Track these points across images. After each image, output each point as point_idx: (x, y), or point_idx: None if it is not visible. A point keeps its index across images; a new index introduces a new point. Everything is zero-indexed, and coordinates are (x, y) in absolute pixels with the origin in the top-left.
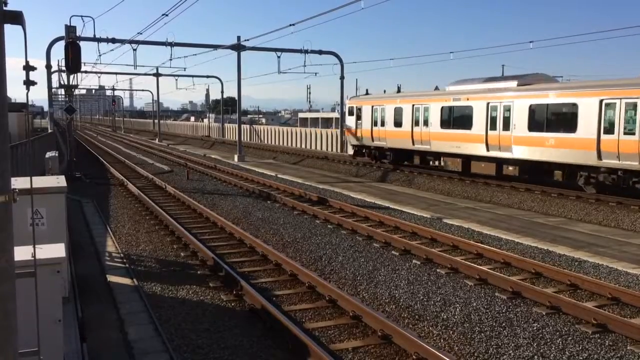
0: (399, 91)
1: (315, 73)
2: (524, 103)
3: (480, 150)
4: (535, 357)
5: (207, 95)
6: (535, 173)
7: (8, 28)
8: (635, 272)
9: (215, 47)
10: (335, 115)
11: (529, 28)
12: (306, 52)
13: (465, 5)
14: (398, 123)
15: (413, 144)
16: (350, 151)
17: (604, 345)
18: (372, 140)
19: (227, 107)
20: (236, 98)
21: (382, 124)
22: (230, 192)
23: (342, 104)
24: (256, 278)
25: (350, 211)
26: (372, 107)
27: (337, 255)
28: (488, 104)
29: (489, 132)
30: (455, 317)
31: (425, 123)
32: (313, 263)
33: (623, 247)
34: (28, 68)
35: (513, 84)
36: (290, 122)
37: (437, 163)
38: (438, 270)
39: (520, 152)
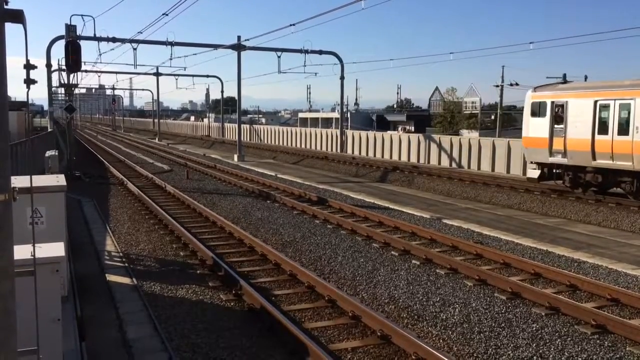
0: None
1: (315, 73)
2: None
3: None
4: (534, 357)
5: (207, 95)
6: None
7: (9, 27)
8: (635, 273)
9: (216, 46)
10: (335, 115)
11: (528, 29)
12: (306, 52)
13: (464, 6)
14: None
15: None
16: (531, 172)
17: (603, 346)
18: (594, 158)
19: (227, 107)
20: (236, 98)
21: (624, 132)
22: (230, 191)
23: (342, 104)
24: (255, 278)
25: (350, 211)
26: (596, 102)
27: (337, 255)
28: None
29: None
30: (455, 317)
31: None
32: (312, 263)
33: (622, 248)
34: (28, 67)
35: None
36: (290, 122)
37: None
38: (437, 270)
39: None
